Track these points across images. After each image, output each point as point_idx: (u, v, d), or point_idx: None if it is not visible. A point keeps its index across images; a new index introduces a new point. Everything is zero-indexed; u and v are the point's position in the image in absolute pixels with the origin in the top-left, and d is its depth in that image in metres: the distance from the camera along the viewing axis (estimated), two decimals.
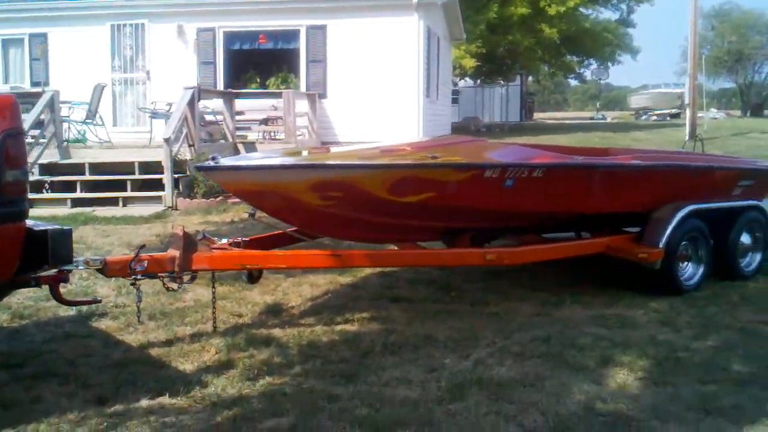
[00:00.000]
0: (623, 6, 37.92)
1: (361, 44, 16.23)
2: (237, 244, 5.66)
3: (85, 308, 5.91)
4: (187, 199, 11.77)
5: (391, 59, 16.09)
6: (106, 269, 4.92)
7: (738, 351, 4.85)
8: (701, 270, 6.48)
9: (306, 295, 6.46)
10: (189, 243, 5.15)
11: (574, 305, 6.00)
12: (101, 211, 11.48)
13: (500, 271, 7.11)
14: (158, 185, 11.95)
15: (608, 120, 45.65)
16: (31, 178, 12.36)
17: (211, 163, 5.00)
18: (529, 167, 5.62)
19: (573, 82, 61.56)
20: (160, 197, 11.90)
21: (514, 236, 6.78)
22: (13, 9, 17.34)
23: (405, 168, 5.25)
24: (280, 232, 6.17)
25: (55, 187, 12.49)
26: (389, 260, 5.85)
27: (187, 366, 4.73)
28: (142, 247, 5.08)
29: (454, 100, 41.27)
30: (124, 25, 16.88)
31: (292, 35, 16.72)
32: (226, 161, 5.16)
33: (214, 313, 5.47)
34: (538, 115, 58.26)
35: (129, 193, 12.20)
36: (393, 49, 16.10)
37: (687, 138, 23.46)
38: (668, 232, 6.13)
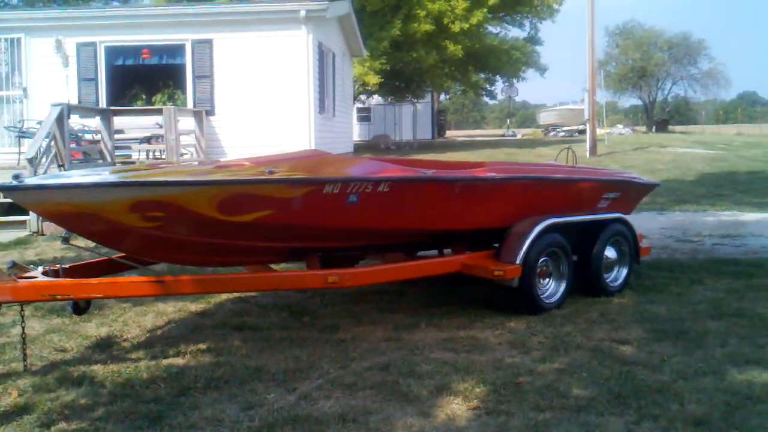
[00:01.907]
0: (527, 23, 38.40)
1: (250, 59, 15.74)
2: (55, 273, 5.13)
3: None
4: (54, 224, 11.03)
5: (280, 74, 15.65)
6: None
7: (583, 373, 4.58)
8: (563, 287, 6.25)
9: (146, 326, 5.96)
10: None
11: (429, 328, 5.68)
12: None
13: (362, 294, 6.77)
14: (24, 209, 11.19)
15: (518, 137, 46.30)
16: None
17: (12, 182, 4.47)
18: (374, 182, 5.27)
19: (490, 101, 62.41)
20: (25, 222, 11.16)
21: (378, 255, 6.45)
22: None
23: (233, 184, 4.82)
24: (106, 258, 5.66)
25: None
26: (220, 285, 5.39)
27: None
28: None
29: (365, 118, 41.27)
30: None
31: (177, 50, 16.09)
32: (31, 180, 4.64)
33: (24, 350, 4.93)
34: (452, 133, 58.79)
35: None
36: (282, 63, 15.66)
37: (588, 153, 23.79)
38: (525, 247, 5.87)
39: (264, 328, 5.78)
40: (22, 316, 4.93)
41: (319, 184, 5.09)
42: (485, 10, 29.57)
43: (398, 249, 6.32)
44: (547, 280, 6.23)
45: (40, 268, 5.15)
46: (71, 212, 4.63)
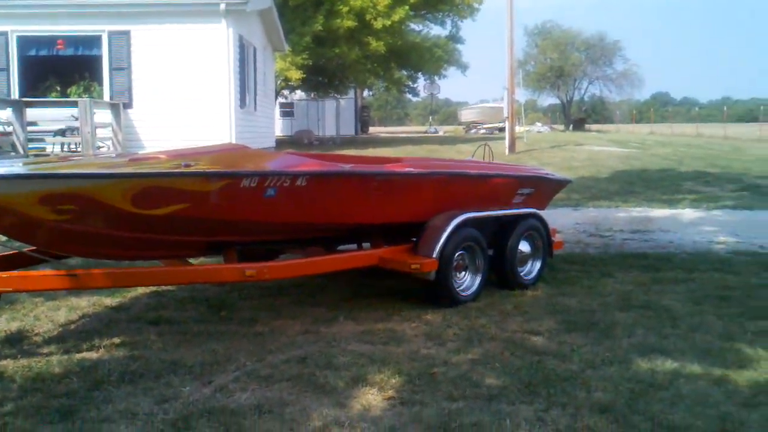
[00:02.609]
0: (448, 21, 38.85)
1: (168, 52, 15.52)
2: None
3: None
4: None
5: (200, 68, 15.48)
6: None
7: (495, 364, 4.71)
8: (479, 280, 6.39)
9: (59, 320, 5.84)
10: None
11: (347, 321, 5.73)
12: None
13: (282, 288, 6.77)
14: None
15: (440, 134, 46.81)
16: None
17: None
18: (290, 175, 5.29)
19: (413, 98, 62.88)
20: None
21: (298, 249, 6.47)
22: None
23: (147, 177, 4.77)
24: (15, 252, 5.52)
25: None
26: (134, 279, 5.31)
27: None
28: None
29: (288, 113, 41.11)
30: None
31: (93, 41, 15.73)
32: None
33: None
34: (375, 129, 59.01)
35: None
36: (202, 57, 15.49)
37: (507, 150, 24.25)
38: (441, 241, 5.98)
39: (181, 321, 5.74)
40: None
41: (236, 177, 5.08)
42: (407, 7, 29.78)
43: (317, 243, 6.37)
44: (463, 273, 6.36)
45: None
46: None
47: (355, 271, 6.38)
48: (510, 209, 6.95)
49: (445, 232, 6.03)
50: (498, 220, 6.70)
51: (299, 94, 39.30)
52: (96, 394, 4.23)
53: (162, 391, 4.24)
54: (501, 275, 6.72)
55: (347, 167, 5.84)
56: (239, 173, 5.12)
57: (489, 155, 8.71)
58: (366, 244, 6.73)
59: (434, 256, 5.95)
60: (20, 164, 5.49)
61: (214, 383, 4.36)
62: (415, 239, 6.23)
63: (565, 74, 59.27)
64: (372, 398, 4.16)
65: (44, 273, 5.04)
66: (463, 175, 6.76)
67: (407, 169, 6.20)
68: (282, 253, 6.82)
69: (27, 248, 5.44)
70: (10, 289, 4.95)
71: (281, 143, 27.95)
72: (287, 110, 40.67)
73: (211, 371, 4.58)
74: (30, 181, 4.49)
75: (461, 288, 6.28)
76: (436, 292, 6.10)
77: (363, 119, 46.60)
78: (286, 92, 36.05)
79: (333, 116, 38.52)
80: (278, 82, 28.77)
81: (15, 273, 5.04)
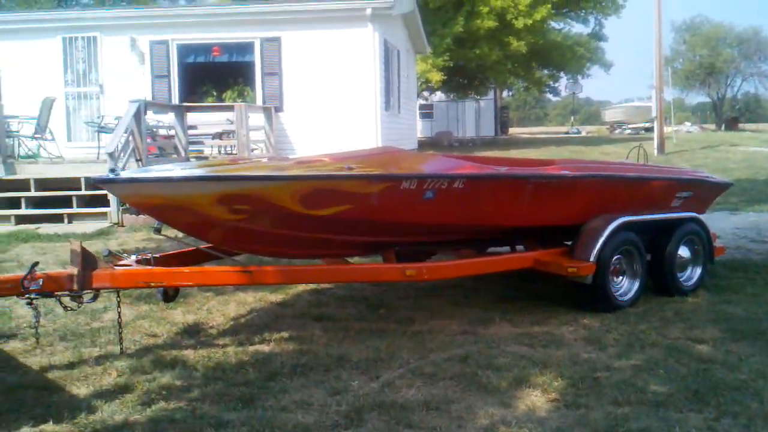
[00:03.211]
0: (591, 18, 37.98)
1: (317, 56, 16.03)
2: (146, 261, 5.41)
3: None
4: (134, 216, 11.47)
5: (347, 71, 15.90)
6: None
7: (659, 370, 4.64)
8: (637, 285, 6.28)
9: (230, 314, 6.22)
10: (87, 260, 4.91)
11: (503, 323, 5.79)
12: (46, 228, 11.19)
13: (436, 288, 6.91)
14: (105, 201, 11.67)
15: (583, 134, 45.90)
16: None
17: (110, 176, 4.74)
18: (449, 178, 5.41)
19: (552, 98, 61.89)
20: (106, 214, 11.62)
21: (450, 250, 6.60)
22: None
23: (314, 179, 5.02)
24: (194, 248, 5.92)
25: None
26: (302, 276, 5.59)
27: (81, 390, 4.48)
28: (36, 264, 4.81)
29: (428, 115, 41.40)
30: (76, 38, 16.53)
31: (246, 47, 16.48)
32: (126, 173, 4.91)
33: (120, 333, 5.21)
34: (515, 130, 58.50)
35: (74, 210, 11.91)
36: (349, 61, 15.91)
37: (656, 151, 23.50)
38: (599, 245, 5.93)
39: (342, 318, 5.98)
40: (119, 302, 5.20)
41: (396, 180, 5.25)
42: (549, 6, 29.38)
43: (470, 245, 6.46)
44: (621, 278, 6.26)
45: (134, 257, 5.43)
46: (162, 204, 4.89)
47: (505, 273, 6.43)
48: (669, 213, 6.78)
49: (602, 235, 5.97)
50: (656, 224, 6.56)
51: (438, 95, 39.51)
52: (272, 384, 4.49)
53: (332, 384, 4.46)
54: (659, 281, 6.56)
55: (503, 170, 5.89)
56: (400, 176, 5.28)
57: (643, 157, 8.51)
58: (519, 247, 6.75)
59: (591, 259, 5.90)
60: (194, 167, 5.90)
61: (381, 379, 4.53)
62: (570, 242, 6.20)
63: (716, 71, 56.57)
64: (536, 399, 4.21)
65: (221, 269, 5.39)
66: (621, 177, 6.67)
67: (564, 172, 6.19)
68: (434, 254, 6.96)
69: (203, 245, 5.82)
70: (191, 283, 5.33)
71: (422, 145, 28.23)
72: (427, 112, 40.96)
73: (377, 367, 4.76)
74: (210, 182, 4.82)
75: (619, 293, 6.20)
76: (593, 296, 6.05)
77: (502, 120, 46.30)
78: (425, 94, 36.35)
79: (473, 117, 38.57)
80: (419, 84, 29.06)
81: (196, 268, 5.42)
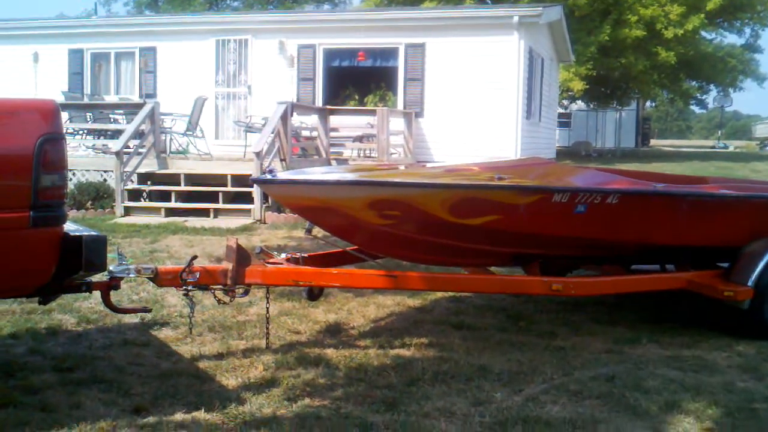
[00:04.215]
0: (746, 29, 36.10)
1: (460, 63, 15.98)
2: (295, 260, 5.56)
3: (148, 316, 5.97)
4: (276, 213, 11.84)
5: (489, 79, 15.77)
6: (157, 279, 4.92)
7: None
8: None
9: (370, 316, 6.30)
10: (242, 256, 5.09)
11: (651, 344, 5.58)
12: (192, 221, 11.69)
13: (578, 303, 6.74)
14: (249, 198, 12.09)
15: (730, 149, 43.76)
16: (130, 186, 12.78)
17: (268, 176, 4.92)
18: (603, 193, 5.27)
19: (697, 110, 59.33)
20: (249, 210, 12.03)
21: (595, 265, 6.43)
22: (126, 24, 18.08)
23: (465, 189, 5.01)
24: (341, 250, 6.03)
25: (152, 195, 12.84)
26: (445, 284, 5.59)
27: (230, 381, 4.65)
28: (194, 257, 5.04)
29: (566, 124, 40.53)
30: (228, 41, 17.22)
31: (390, 53, 16.67)
32: (282, 175, 5.07)
33: (267, 329, 5.38)
34: (656, 142, 56.47)
35: (220, 205, 12.38)
36: (492, 68, 15.77)
37: None
38: (759, 269, 5.62)
39: (482, 328, 5.94)
40: (267, 298, 5.37)
41: (548, 192, 5.16)
42: (702, 15, 28.14)
43: (616, 261, 6.27)
44: None
45: (284, 255, 5.60)
46: (315, 206, 5.02)
47: (649, 293, 6.21)
48: None
49: (763, 259, 5.66)
50: None
51: (578, 104, 38.64)
52: (413, 389, 4.51)
53: (475, 394, 4.43)
54: None
55: (659, 186, 5.69)
56: (552, 188, 5.19)
57: None
58: (669, 266, 6.49)
59: (750, 284, 5.60)
60: (346, 170, 6.02)
61: (525, 392, 4.47)
62: (726, 265, 5.91)
63: None
64: (689, 426, 4.03)
65: (367, 272, 5.46)
66: None
67: (723, 191, 5.91)
68: (576, 269, 6.80)
69: (350, 247, 5.92)
70: (338, 284, 5.43)
71: (558, 154, 27.68)
72: (564, 120, 40.12)
73: (519, 380, 4.69)
74: (363, 187, 4.91)
75: None
76: (748, 322, 5.74)
77: (644, 131, 44.77)
78: (564, 102, 35.65)
79: (612, 127, 37.45)
80: (560, 93, 28.53)
81: (343, 270, 5.52)
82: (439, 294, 6.93)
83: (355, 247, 5.86)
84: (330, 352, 5.24)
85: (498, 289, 5.72)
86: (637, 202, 5.49)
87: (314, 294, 6.01)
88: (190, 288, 4.99)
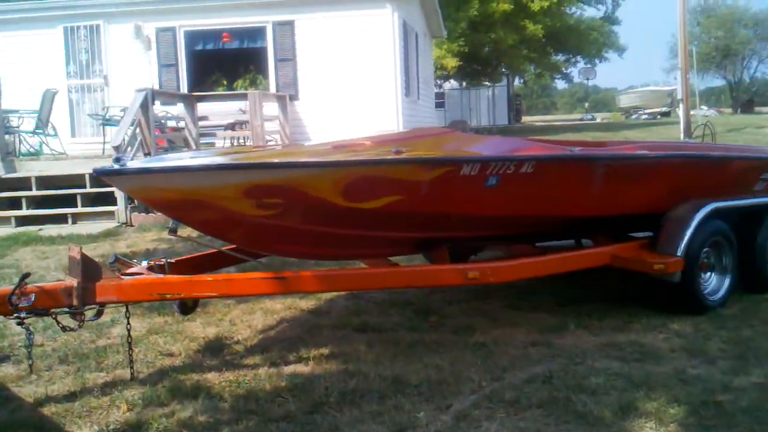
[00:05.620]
0: (608, 1, 37.00)
1: (333, 40, 15.07)
2: (160, 267, 4.57)
3: None
4: (143, 214, 10.66)
5: (365, 56, 14.96)
6: None
7: None
8: (727, 282, 5.42)
9: (257, 326, 5.37)
10: (90, 269, 4.07)
11: (579, 330, 4.93)
12: (49, 230, 10.40)
13: (488, 289, 6.03)
14: (112, 199, 10.86)
15: (598, 120, 44.89)
16: None
17: (115, 166, 3.88)
18: (517, 161, 4.54)
19: (560, 86, 60.92)
20: (113, 212, 10.82)
21: (501, 246, 5.73)
22: None
23: (359, 165, 4.16)
24: (215, 251, 5.07)
25: None
26: (345, 283, 4.67)
27: (83, 431, 3.63)
28: (26, 276, 3.98)
29: (440, 104, 40.41)
30: (78, 27, 15.59)
31: (257, 33, 15.54)
32: (134, 163, 4.06)
33: (130, 356, 4.36)
34: (527, 119, 57.49)
35: (79, 209, 11.12)
36: (367, 44, 14.96)
37: (682, 135, 22.56)
38: (688, 236, 5.06)
39: (389, 329, 5.13)
40: (128, 319, 4.34)
41: (456, 164, 4.38)
42: None
43: (524, 239, 5.59)
44: (709, 274, 5.40)
45: (145, 263, 4.59)
46: (178, 199, 4.02)
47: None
48: (759, 198, 5.90)
49: (691, 225, 5.11)
50: (746, 210, 5.69)
51: (451, 83, 38.57)
52: (317, 418, 3.64)
53: (394, 417, 3.60)
54: (748, 276, 5.69)
55: (577, 150, 5.02)
56: (460, 159, 4.43)
57: (711, 135, 7.64)
58: (587, 241, 5.88)
59: (679, 254, 5.04)
60: (214, 154, 5.05)
61: (453, 408, 3.67)
62: (651, 234, 5.33)
63: (732, 53, 55.41)
64: None
65: (250, 276, 4.51)
66: (704, 157, 5.79)
67: (644, 152, 5.31)
68: (480, 251, 6.11)
69: (226, 246, 4.98)
70: (214, 294, 4.48)
71: None
72: (439, 101, 40.04)
73: (443, 392, 3.90)
74: (236, 172, 3.97)
75: (707, 291, 5.33)
76: (679, 297, 5.18)
77: (516, 108, 45.33)
78: (438, 82, 35.45)
79: (486, 105, 37.63)
80: (435, 71, 28.18)
81: (220, 276, 4.58)
82: (336, 292, 6.06)
83: (233, 246, 4.93)
84: (211, 377, 4.29)
85: (408, 282, 4.85)
86: (554, 170, 4.79)
87: (188, 307, 5.01)
88: (23, 315, 3.93)
